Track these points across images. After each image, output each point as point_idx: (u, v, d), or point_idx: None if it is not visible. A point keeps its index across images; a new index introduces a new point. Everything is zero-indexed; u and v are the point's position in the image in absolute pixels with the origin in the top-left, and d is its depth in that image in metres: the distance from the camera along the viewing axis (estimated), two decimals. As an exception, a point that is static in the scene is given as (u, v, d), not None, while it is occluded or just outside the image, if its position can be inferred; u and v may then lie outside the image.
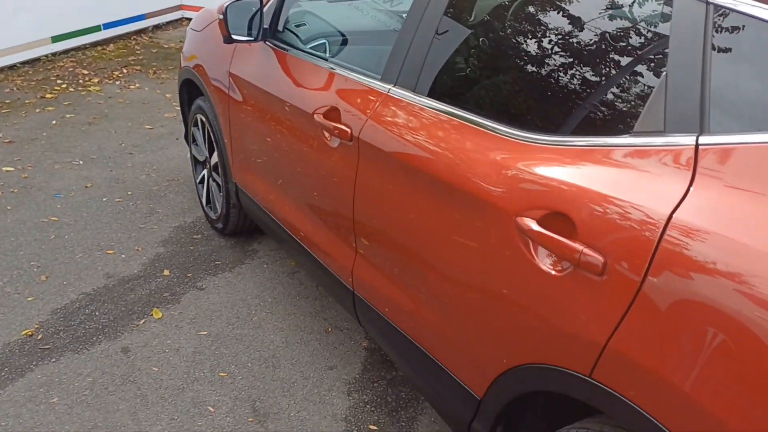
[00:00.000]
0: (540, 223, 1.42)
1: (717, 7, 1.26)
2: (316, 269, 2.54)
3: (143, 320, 2.90)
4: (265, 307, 3.01)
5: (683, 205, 1.19)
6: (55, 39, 6.56)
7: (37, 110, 5.27)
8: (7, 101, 5.43)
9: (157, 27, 7.87)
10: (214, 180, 3.46)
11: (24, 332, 2.79)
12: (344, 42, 2.66)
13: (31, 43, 6.30)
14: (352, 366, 2.69)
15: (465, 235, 1.64)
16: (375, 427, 2.39)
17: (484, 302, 1.62)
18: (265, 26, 2.67)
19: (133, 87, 5.97)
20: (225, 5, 2.53)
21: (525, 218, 1.45)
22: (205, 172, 3.57)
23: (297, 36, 2.68)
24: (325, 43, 2.66)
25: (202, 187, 3.64)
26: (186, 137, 3.79)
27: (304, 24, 2.76)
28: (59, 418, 2.36)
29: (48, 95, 5.61)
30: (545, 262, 1.41)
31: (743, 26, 1.24)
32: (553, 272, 1.39)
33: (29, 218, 3.69)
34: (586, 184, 1.35)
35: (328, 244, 2.39)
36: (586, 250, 1.30)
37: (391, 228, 1.98)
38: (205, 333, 2.84)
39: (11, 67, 6.17)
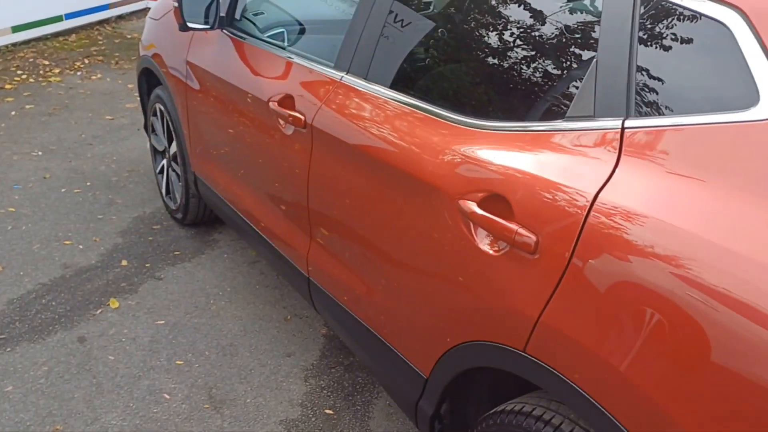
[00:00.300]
0: (480, 205, 1.46)
1: (643, -4, 1.31)
2: (273, 256, 2.56)
3: (100, 310, 2.89)
4: (224, 297, 3.03)
5: (608, 185, 1.24)
6: (16, 29, 6.45)
7: (-4, 101, 5.19)
8: (-36, 91, 5.34)
9: (120, 17, 7.79)
10: (174, 170, 3.45)
11: (-22, 322, 2.77)
12: (302, 31, 2.67)
13: (-11, 33, 6.19)
14: (310, 353, 2.71)
15: (411, 218, 1.68)
16: (331, 412, 2.42)
17: (428, 284, 1.67)
18: (222, 14, 2.67)
19: (94, 78, 5.90)
20: (179, -8, 2.54)
21: (466, 201, 1.49)
22: (164, 162, 3.56)
23: (255, 24, 2.69)
24: (283, 32, 2.67)
25: (162, 177, 3.63)
26: (145, 127, 3.77)
27: (262, 13, 2.77)
28: (14, 407, 2.35)
29: (7, 86, 5.52)
30: (484, 243, 1.46)
31: (668, 14, 1.29)
32: (491, 252, 1.44)
33: (-15, 209, 3.64)
34: (522, 167, 1.40)
35: (284, 232, 2.41)
36: (521, 230, 1.35)
37: (343, 214, 2.02)
38: (162, 322, 2.84)
39: (-31, 57, 6.06)
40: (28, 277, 3.09)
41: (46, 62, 6.16)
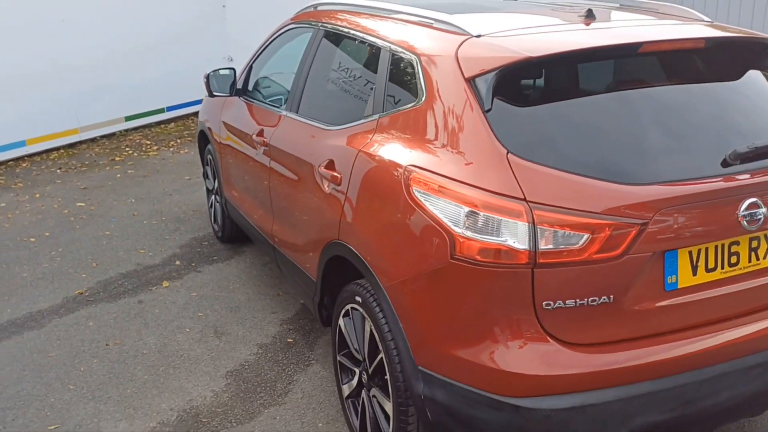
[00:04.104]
0: (325, 167, 2.69)
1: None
2: (261, 240, 3.83)
3: (155, 287, 4.24)
4: (239, 282, 4.30)
5: (368, 144, 2.45)
6: (128, 118, 8.34)
7: (107, 168, 6.93)
8: (86, 163, 7.13)
9: (210, 110, 9.63)
10: (217, 201, 4.85)
11: (77, 291, 4.19)
12: (279, 89, 4.01)
13: (109, 121, 8.11)
14: (288, 312, 3.91)
15: (300, 182, 2.94)
16: (291, 341, 3.59)
17: (306, 215, 2.91)
18: (239, 87, 4.10)
19: (182, 152, 7.59)
20: (207, 73, 4.01)
21: (320, 167, 2.73)
22: (213, 198, 4.97)
23: (258, 91, 4.09)
24: (270, 92, 4.05)
25: (211, 210, 5.04)
26: (204, 174, 5.24)
27: (264, 85, 4.17)
28: (91, 332, 3.69)
29: (117, 158, 7.29)
30: (325, 186, 2.69)
31: (400, 61, 2.52)
32: (328, 191, 2.66)
33: (91, 233, 5.17)
34: (341, 144, 2.63)
35: (263, 219, 3.69)
36: (335, 174, 2.57)
37: (282, 194, 3.29)
38: (194, 294, 4.14)
39: (93, 140, 7.95)
40: (112, 270, 4.51)
41: (148, 142, 7.95)
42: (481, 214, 2.00)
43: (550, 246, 1.95)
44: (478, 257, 2.00)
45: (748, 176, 2.09)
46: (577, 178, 1.99)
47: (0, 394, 3.18)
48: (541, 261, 1.95)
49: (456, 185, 2.08)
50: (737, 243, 2.13)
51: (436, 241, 2.09)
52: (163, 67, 8.41)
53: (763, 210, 2.07)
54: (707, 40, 2.38)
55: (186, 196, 6.03)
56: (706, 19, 2.67)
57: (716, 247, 2.10)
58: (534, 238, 1.94)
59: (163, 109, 8.81)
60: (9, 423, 2.98)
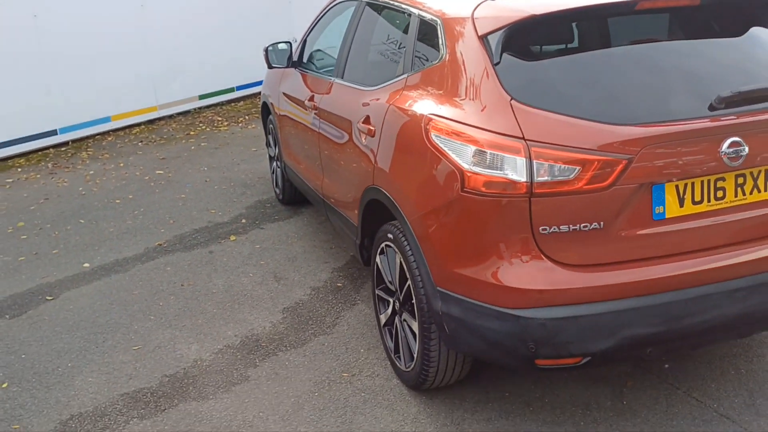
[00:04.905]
0: (362, 123, 3.07)
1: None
2: (314, 197, 4.25)
3: (224, 240, 4.75)
4: (297, 237, 4.75)
5: (397, 100, 2.81)
6: (201, 97, 8.97)
7: (183, 141, 7.54)
8: (164, 137, 7.78)
9: (277, 88, 10.18)
10: (278, 166, 5.31)
11: (156, 243, 4.75)
12: (329, 60, 4.38)
13: (184, 100, 8.75)
14: (339, 262, 4.33)
15: (343, 139, 3.33)
16: (340, 285, 4.01)
17: (349, 169, 3.30)
18: (295, 59, 4.52)
19: (250, 127, 8.13)
20: (266, 47, 4.45)
21: (359, 122, 3.11)
22: (275, 164, 5.44)
23: (311, 62, 4.50)
24: (321, 63, 4.45)
25: (273, 175, 5.51)
26: (267, 143, 5.72)
27: (318, 57, 4.57)
28: (168, 275, 4.23)
29: (191, 133, 7.90)
30: (363, 139, 3.06)
31: (428, 27, 2.86)
32: (365, 143, 3.03)
33: (169, 195, 5.75)
34: (375, 101, 3.00)
35: (314, 177, 4.11)
36: (370, 128, 2.94)
37: (329, 152, 3.68)
38: (258, 246, 4.62)
39: (170, 116, 8.61)
40: (186, 226, 5.06)
41: (220, 119, 8.54)
42: (487, 152, 2.33)
43: (546, 178, 2.26)
44: (484, 189, 2.33)
45: (731, 118, 2.33)
46: (571, 119, 2.28)
47: (93, 322, 3.74)
48: (537, 191, 2.26)
49: (466, 128, 2.41)
50: (723, 179, 2.37)
51: (450, 177, 2.43)
52: (233, 49, 8.99)
53: (745, 148, 2.31)
54: None
55: (252, 165, 6.54)
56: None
57: (702, 182, 2.35)
58: (531, 171, 2.26)
59: (234, 88, 9.40)
60: (100, 344, 3.53)
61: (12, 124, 7.16)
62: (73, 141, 7.66)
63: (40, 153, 7.36)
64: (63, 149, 7.49)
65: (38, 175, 6.65)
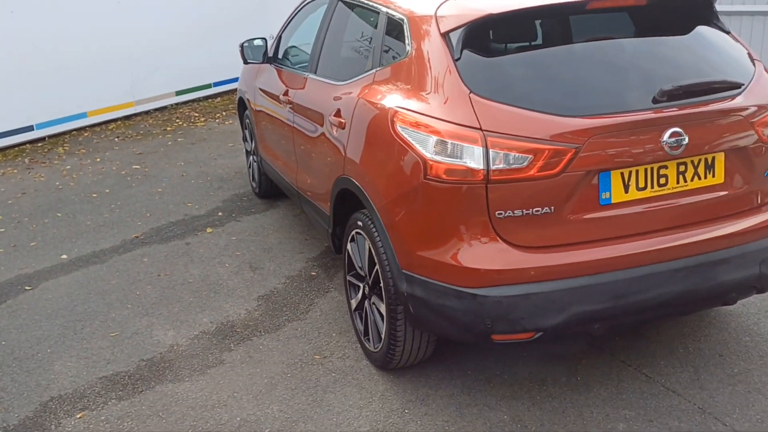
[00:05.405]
0: (333, 116, 3.21)
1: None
2: (288, 189, 4.39)
3: (200, 232, 4.87)
4: (273, 229, 4.88)
5: (366, 93, 2.96)
6: (178, 93, 9.04)
7: (160, 137, 7.62)
8: (141, 132, 7.84)
9: (253, 85, 10.26)
10: (255, 160, 5.43)
11: (133, 235, 4.85)
12: (302, 55, 4.52)
13: (161, 96, 8.81)
14: (314, 252, 4.47)
15: (316, 132, 3.47)
16: (314, 274, 4.15)
17: (321, 160, 3.43)
18: (270, 55, 4.65)
19: (227, 123, 8.23)
20: (241, 43, 4.57)
21: (330, 116, 3.25)
22: (251, 158, 5.56)
23: (286, 58, 4.63)
24: (295, 58, 4.58)
25: (250, 169, 5.63)
26: (243, 138, 5.83)
27: (292, 53, 4.70)
28: (145, 266, 4.34)
29: (168, 128, 7.97)
30: (334, 132, 3.20)
31: (395, 27, 3.01)
32: (336, 135, 3.18)
33: (146, 190, 5.84)
34: (345, 95, 3.14)
35: (289, 170, 4.24)
36: (341, 120, 3.09)
37: (303, 144, 3.82)
38: (234, 238, 4.74)
39: (147, 112, 8.67)
40: (163, 219, 5.16)
41: (196, 114, 8.62)
42: (448, 141, 2.49)
43: (501, 166, 2.42)
44: (445, 176, 2.49)
45: (672, 110, 2.51)
46: (525, 111, 2.45)
47: (71, 311, 3.84)
48: (493, 178, 2.43)
49: (429, 120, 2.57)
50: (665, 167, 2.56)
51: (414, 166, 2.59)
52: (210, 46, 9.07)
53: (686, 138, 2.50)
54: None
55: (229, 160, 6.65)
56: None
57: (646, 169, 2.53)
58: (487, 159, 2.42)
59: (210, 84, 9.48)
60: (79, 331, 3.63)
61: (-12, 120, 7.19)
62: (50, 137, 7.70)
63: (16, 149, 7.40)
64: (39, 145, 7.53)
65: (15, 170, 6.69)
